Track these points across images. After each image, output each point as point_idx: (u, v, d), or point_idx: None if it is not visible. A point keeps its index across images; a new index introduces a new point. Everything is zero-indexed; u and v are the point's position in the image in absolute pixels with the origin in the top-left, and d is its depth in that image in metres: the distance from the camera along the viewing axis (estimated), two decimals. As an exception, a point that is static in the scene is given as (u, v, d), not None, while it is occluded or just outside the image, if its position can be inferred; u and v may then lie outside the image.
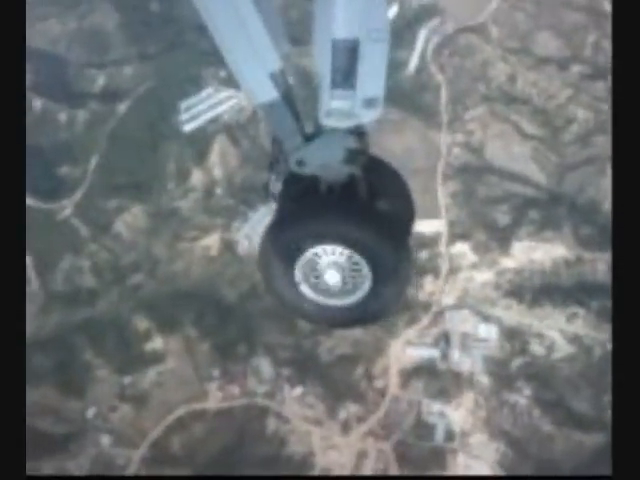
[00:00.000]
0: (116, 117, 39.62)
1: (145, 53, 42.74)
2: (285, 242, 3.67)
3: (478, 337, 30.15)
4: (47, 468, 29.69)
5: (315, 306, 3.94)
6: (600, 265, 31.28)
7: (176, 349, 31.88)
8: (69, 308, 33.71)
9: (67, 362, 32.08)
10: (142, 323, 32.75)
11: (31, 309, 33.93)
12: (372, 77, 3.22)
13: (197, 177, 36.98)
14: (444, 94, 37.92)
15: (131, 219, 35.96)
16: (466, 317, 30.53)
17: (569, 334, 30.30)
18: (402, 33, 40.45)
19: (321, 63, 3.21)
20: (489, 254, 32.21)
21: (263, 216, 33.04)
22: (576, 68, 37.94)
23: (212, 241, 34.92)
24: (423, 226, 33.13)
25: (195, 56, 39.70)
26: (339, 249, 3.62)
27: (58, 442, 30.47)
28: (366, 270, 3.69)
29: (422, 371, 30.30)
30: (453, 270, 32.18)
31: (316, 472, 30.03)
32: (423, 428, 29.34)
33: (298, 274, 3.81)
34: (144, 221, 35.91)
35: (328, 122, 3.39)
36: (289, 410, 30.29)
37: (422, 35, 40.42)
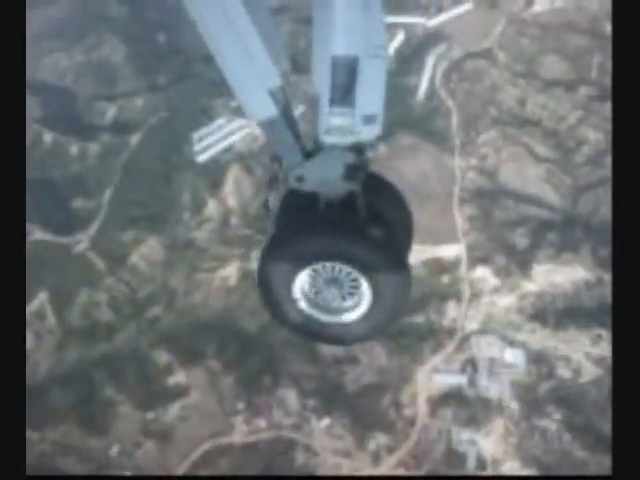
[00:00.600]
0: (129, 149, 39.69)
1: (154, 84, 42.99)
2: (283, 258, 3.68)
3: (505, 362, 30.00)
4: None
5: (315, 322, 3.97)
6: (620, 286, 31.30)
7: (199, 382, 31.46)
8: (87, 343, 33.27)
9: (87, 399, 31.53)
10: (162, 357, 32.37)
11: (48, 345, 33.58)
12: (371, 94, 3.26)
13: (212, 207, 36.98)
14: (455, 119, 38.32)
15: (147, 251, 35.77)
16: (492, 342, 30.41)
17: (594, 356, 30.25)
18: (410, 60, 41.05)
19: (320, 81, 3.26)
20: (510, 278, 32.23)
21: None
22: (583, 90, 38.55)
23: (230, 271, 34.75)
24: (442, 251, 33.27)
25: (204, 86, 39.92)
26: (338, 266, 3.65)
27: (82, 483, 29.83)
28: (365, 287, 3.71)
29: (450, 398, 30.01)
30: (475, 295, 32.16)
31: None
32: (454, 457, 28.91)
33: (297, 290, 3.84)
34: (160, 253, 35.74)
35: (327, 139, 3.41)
36: (317, 442, 29.79)
37: (430, 61, 40.96)
